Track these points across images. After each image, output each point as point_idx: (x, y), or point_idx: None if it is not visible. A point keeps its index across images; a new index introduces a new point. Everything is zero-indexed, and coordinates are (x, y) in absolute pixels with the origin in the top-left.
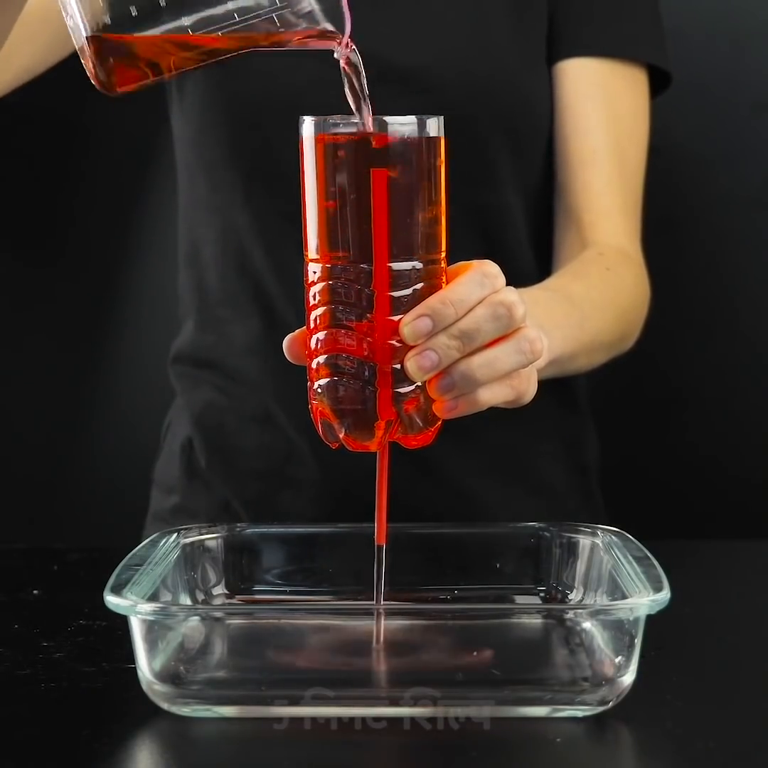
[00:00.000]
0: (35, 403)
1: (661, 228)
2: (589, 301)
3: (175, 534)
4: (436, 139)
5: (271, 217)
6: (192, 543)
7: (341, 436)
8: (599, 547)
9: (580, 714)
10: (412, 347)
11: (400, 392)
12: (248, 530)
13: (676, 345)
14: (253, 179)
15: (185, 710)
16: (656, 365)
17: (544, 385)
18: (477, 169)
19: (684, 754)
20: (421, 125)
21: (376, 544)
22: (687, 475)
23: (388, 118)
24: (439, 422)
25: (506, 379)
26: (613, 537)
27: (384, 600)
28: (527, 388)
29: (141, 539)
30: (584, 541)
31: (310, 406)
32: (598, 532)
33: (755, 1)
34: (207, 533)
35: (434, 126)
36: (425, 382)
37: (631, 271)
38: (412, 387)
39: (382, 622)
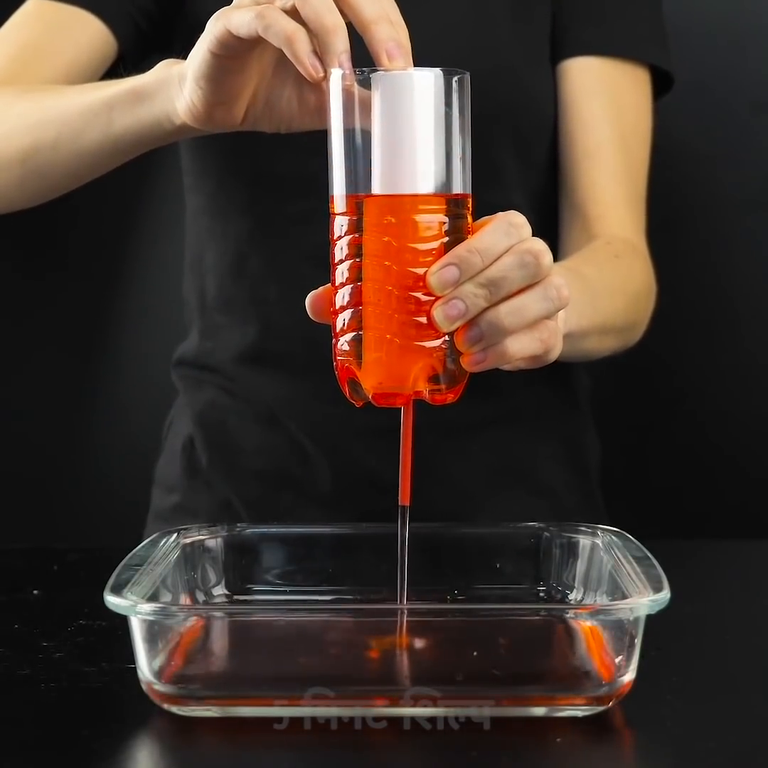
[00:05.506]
0: (36, 403)
1: (661, 228)
2: (600, 283)
3: (175, 534)
4: (461, 91)
5: (273, 221)
6: (192, 543)
7: (369, 393)
8: (599, 547)
9: (580, 714)
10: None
11: (427, 347)
12: (248, 530)
13: (676, 345)
14: (255, 183)
15: (185, 710)
16: (656, 365)
17: (545, 385)
18: (481, 168)
19: (684, 754)
20: (447, 76)
21: (400, 504)
22: (687, 475)
23: (412, 70)
24: (466, 379)
25: (534, 332)
26: (613, 537)
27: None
28: (555, 342)
29: (141, 539)
30: (584, 541)
31: (334, 365)
32: (598, 532)
33: (755, 1)
34: (207, 533)
35: (459, 80)
36: (453, 335)
37: (638, 261)
38: (439, 341)
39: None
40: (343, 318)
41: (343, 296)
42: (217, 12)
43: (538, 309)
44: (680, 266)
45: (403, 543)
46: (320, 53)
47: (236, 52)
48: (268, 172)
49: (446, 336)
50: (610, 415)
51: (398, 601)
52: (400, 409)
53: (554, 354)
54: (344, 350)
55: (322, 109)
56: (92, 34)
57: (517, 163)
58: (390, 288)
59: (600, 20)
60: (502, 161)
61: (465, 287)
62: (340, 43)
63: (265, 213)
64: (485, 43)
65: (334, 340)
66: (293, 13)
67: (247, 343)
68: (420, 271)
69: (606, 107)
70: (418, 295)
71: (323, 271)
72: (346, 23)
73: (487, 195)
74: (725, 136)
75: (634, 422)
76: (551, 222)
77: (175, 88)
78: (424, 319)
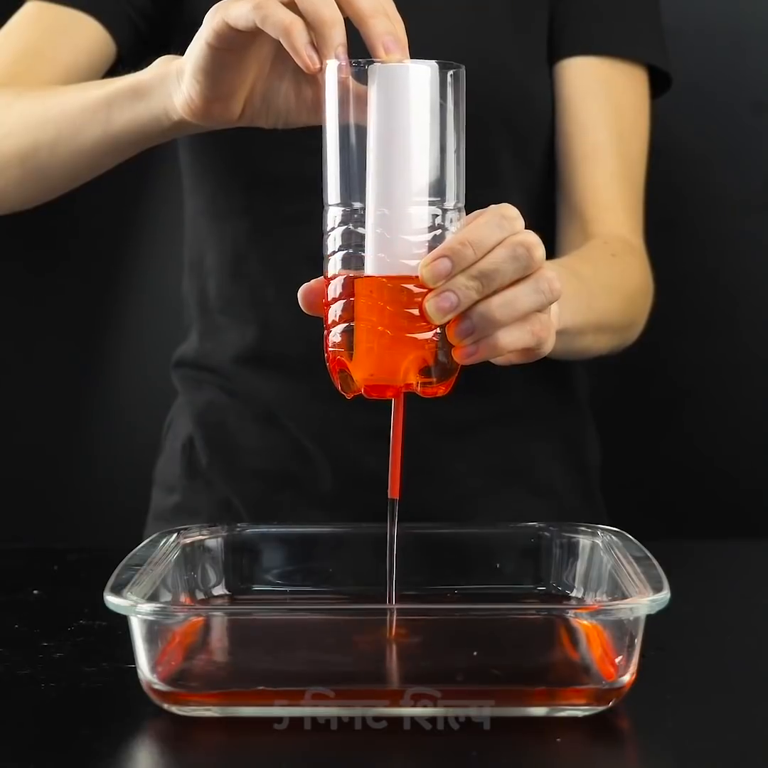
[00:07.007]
0: (36, 403)
1: (661, 228)
2: (596, 281)
3: (175, 534)
4: (456, 84)
5: (272, 222)
6: (192, 543)
7: (360, 385)
8: (599, 547)
9: (580, 714)
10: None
11: (418, 339)
12: (248, 530)
13: (676, 345)
14: (254, 185)
15: (185, 710)
16: (656, 365)
17: (544, 384)
18: (478, 169)
19: (684, 754)
20: (443, 70)
21: (389, 497)
22: (687, 476)
23: (409, 62)
24: (457, 372)
25: (526, 324)
26: (613, 537)
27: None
28: (547, 335)
29: (141, 539)
30: (584, 541)
31: (325, 356)
32: (598, 532)
33: (755, 1)
34: (207, 533)
35: (454, 74)
36: (444, 328)
37: (635, 260)
38: (431, 334)
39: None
40: (334, 309)
41: (335, 288)
42: (215, 5)
43: (530, 301)
44: (679, 266)
45: (392, 538)
46: (317, 45)
47: (234, 44)
48: (265, 173)
49: (438, 328)
50: (610, 415)
51: (387, 599)
52: (393, 402)
53: (546, 347)
54: (336, 342)
55: (319, 105)
56: (91, 36)
57: (514, 163)
58: (382, 280)
59: (597, 20)
60: (498, 160)
61: (457, 279)
62: (337, 36)
63: (262, 214)
64: (483, 42)
65: (325, 332)
66: (291, 7)
67: (246, 344)
68: (413, 263)
69: (603, 107)
70: (410, 287)
71: (321, 272)
72: (343, 19)
73: (484, 194)
74: (725, 136)
75: (634, 422)
76: (548, 222)
77: (173, 83)
78: (415, 311)
